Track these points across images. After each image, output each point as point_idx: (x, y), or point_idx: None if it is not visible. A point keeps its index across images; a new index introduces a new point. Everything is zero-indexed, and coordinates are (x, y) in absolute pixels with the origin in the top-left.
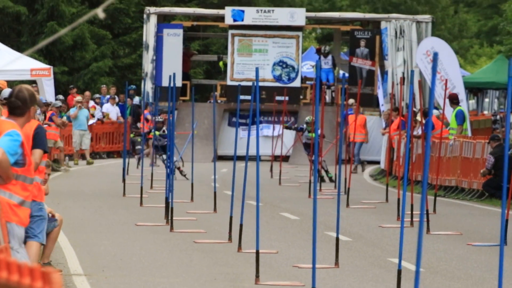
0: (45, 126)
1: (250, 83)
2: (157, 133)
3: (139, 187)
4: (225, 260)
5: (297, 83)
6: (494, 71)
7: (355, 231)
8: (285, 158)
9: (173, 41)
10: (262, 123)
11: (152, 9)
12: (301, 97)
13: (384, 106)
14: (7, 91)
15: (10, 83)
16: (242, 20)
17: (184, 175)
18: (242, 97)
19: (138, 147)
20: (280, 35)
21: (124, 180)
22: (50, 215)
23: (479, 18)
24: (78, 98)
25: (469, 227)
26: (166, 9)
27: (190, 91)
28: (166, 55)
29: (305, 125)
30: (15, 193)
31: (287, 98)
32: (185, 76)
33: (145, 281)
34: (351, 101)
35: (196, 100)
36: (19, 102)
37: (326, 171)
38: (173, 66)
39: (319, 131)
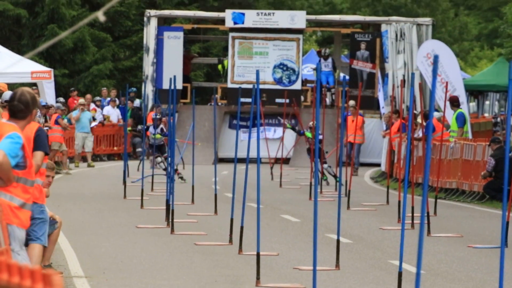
0: (50, 129)
1: (250, 86)
2: (157, 136)
3: (139, 190)
4: (226, 262)
5: (297, 86)
6: (495, 73)
7: (355, 233)
8: (285, 161)
9: (174, 43)
10: (262, 126)
11: (153, 12)
12: (302, 99)
13: (385, 108)
14: (8, 94)
15: (11, 86)
16: (243, 23)
17: (181, 177)
18: (242, 99)
19: (139, 149)
20: (280, 37)
21: (124, 182)
22: (51, 218)
23: (479, 21)
24: (81, 100)
25: (469, 229)
26: (166, 12)
27: (191, 93)
28: (167, 58)
29: (309, 130)
30: (16, 196)
31: (287, 100)
32: (186, 79)
33: (145, 283)
34: (351, 103)
35: (197, 102)
36: (22, 106)
37: (335, 176)
38: (173, 69)
39: (319, 134)
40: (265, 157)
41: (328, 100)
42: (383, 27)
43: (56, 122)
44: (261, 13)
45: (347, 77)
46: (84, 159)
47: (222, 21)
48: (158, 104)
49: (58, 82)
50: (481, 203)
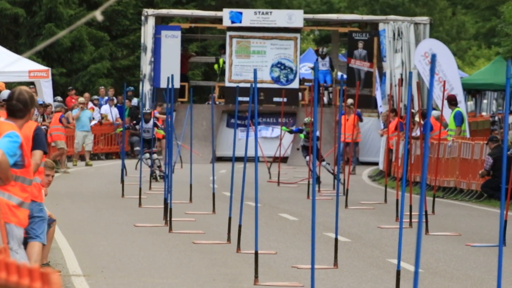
0: (49, 128)
1: (248, 85)
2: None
3: (137, 188)
4: (224, 260)
5: (295, 85)
6: (492, 72)
7: (354, 232)
8: (283, 159)
9: (171, 42)
10: (260, 125)
11: (150, 11)
12: (300, 98)
13: (382, 107)
14: (5, 93)
15: (8, 85)
16: (240, 22)
17: (161, 176)
18: (240, 98)
19: (137, 148)
20: (278, 36)
21: (122, 181)
22: (49, 217)
23: (477, 20)
24: (81, 99)
25: (468, 228)
26: (164, 11)
27: (189, 92)
28: (164, 57)
29: (303, 126)
30: (14, 194)
31: (285, 99)
32: (183, 78)
33: (144, 282)
34: (349, 101)
35: (195, 101)
36: (21, 105)
37: (333, 174)
38: (171, 68)
39: (317, 133)
40: (262, 155)
41: (325, 99)
42: (381, 26)
43: (60, 121)
44: (259, 12)
45: (345, 76)
46: (82, 158)
47: (219, 20)
48: (161, 103)
49: (55, 81)
50: (479, 201)
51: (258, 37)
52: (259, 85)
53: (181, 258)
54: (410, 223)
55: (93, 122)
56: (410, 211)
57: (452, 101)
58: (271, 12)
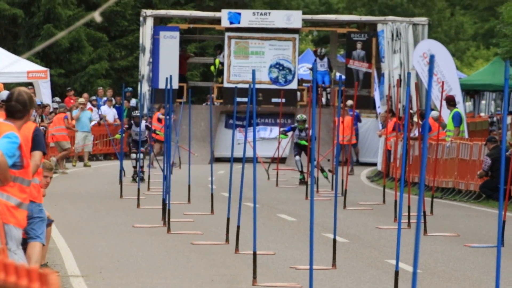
0: (48, 129)
1: (246, 85)
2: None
3: (136, 189)
4: (222, 261)
5: (293, 86)
6: (491, 73)
7: (352, 232)
8: (282, 160)
9: (170, 43)
10: (259, 125)
11: (149, 12)
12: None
13: (381, 108)
14: (4, 94)
15: (7, 86)
16: (239, 23)
17: (141, 177)
18: (238, 99)
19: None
20: (276, 37)
21: (121, 181)
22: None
23: (475, 21)
24: (81, 99)
25: (466, 228)
26: (162, 12)
27: (187, 93)
28: (163, 58)
29: (296, 124)
30: (12, 195)
31: (283, 100)
32: (182, 78)
33: (142, 283)
34: (349, 102)
35: (193, 102)
36: (20, 106)
37: (322, 170)
38: (169, 69)
39: (315, 133)
40: (261, 156)
41: (324, 100)
42: (379, 27)
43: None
44: (257, 12)
45: (343, 77)
46: (80, 158)
47: (218, 20)
48: (164, 104)
49: (54, 82)
50: (477, 202)
51: (256, 37)
52: (257, 86)
53: (180, 258)
54: (409, 223)
55: (92, 123)
56: (409, 212)
57: (450, 101)
58: (269, 13)
